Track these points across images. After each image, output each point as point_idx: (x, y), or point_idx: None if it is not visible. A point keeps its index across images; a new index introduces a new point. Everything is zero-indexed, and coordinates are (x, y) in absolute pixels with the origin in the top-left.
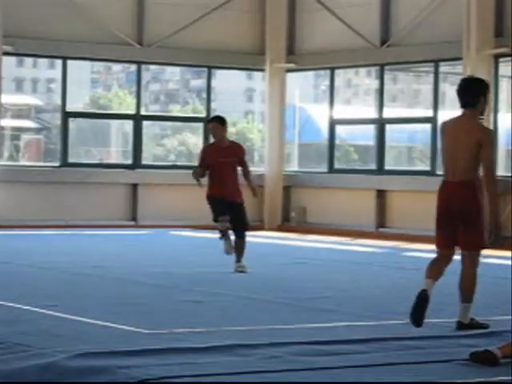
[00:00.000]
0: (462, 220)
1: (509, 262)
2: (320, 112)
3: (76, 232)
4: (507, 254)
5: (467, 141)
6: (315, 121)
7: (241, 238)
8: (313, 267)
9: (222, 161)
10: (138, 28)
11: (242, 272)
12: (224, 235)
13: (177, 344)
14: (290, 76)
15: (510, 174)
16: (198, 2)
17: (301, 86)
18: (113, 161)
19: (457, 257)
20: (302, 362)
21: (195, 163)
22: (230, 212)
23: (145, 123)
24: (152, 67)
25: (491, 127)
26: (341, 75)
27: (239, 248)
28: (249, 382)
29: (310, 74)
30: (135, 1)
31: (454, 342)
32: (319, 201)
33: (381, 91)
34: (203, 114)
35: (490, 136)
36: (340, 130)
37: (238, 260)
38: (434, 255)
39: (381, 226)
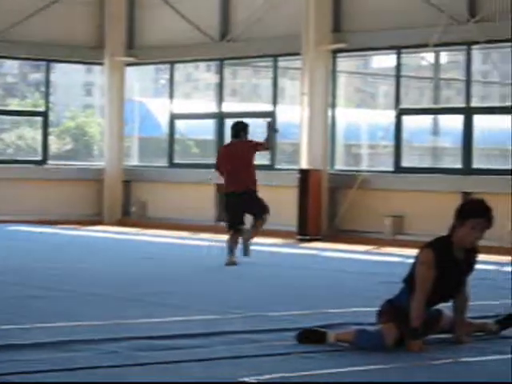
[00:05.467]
0: None
1: (346, 255)
2: (160, 106)
3: None
4: (345, 247)
5: None
6: (155, 115)
7: None
8: (154, 262)
9: None
10: None
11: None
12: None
13: (5, 341)
14: (130, 70)
15: (346, 168)
16: None
17: (140, 80)
18: None
19: None
20: (140, 356)
21: (34, 157)
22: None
23: None
24: None
25: (329, 122)
26: (180, 69)
27: None
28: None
29: (150, 68)
30: None
31: (294, 335)
32: (159, 195)
33: (220, 86)
34: (42, 108)
35: None
36: (180, 124)
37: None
38: (273, 248)
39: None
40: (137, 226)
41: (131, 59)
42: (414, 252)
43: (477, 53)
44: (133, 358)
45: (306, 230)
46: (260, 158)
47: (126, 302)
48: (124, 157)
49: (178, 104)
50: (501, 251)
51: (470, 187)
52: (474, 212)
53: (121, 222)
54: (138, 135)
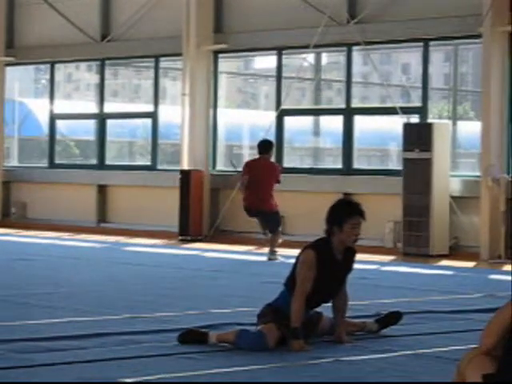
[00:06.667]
0: None
1: (227, 256)
2: (40, 107)
3: None
4: (227, 247)
5: None
6: (36, 115)
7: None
8: (34, 263)
9: None
10: None
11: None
12: None
13: None
14: (10, 70)
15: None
16: None
17: (21, 80)
18: None
19: None
20: (24, 359)
21: None
22: None
23: None
24: None
25: (210, 122)
26: (61, 70)
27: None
28: None
29: (30, 68)
30: None
31: (176, 336)
32: (40, 196)
33: (101, 86)
34: None
35: None
36: (61, 124)
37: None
38: (154, 249)
39: (102, 221)
40: (17, 228)
41: (11, 59)
42: (294, 252)
43: (357, 54)
44: (17, 360)
45: (188, 230)
46: (140, 159)
47: (2, 304)
48: (3, 157)
49: (58, 104)
50: (381, 251)
51: (351, 187)
52: (349, 213)
53: (0, 224)
54: (19, 136)
